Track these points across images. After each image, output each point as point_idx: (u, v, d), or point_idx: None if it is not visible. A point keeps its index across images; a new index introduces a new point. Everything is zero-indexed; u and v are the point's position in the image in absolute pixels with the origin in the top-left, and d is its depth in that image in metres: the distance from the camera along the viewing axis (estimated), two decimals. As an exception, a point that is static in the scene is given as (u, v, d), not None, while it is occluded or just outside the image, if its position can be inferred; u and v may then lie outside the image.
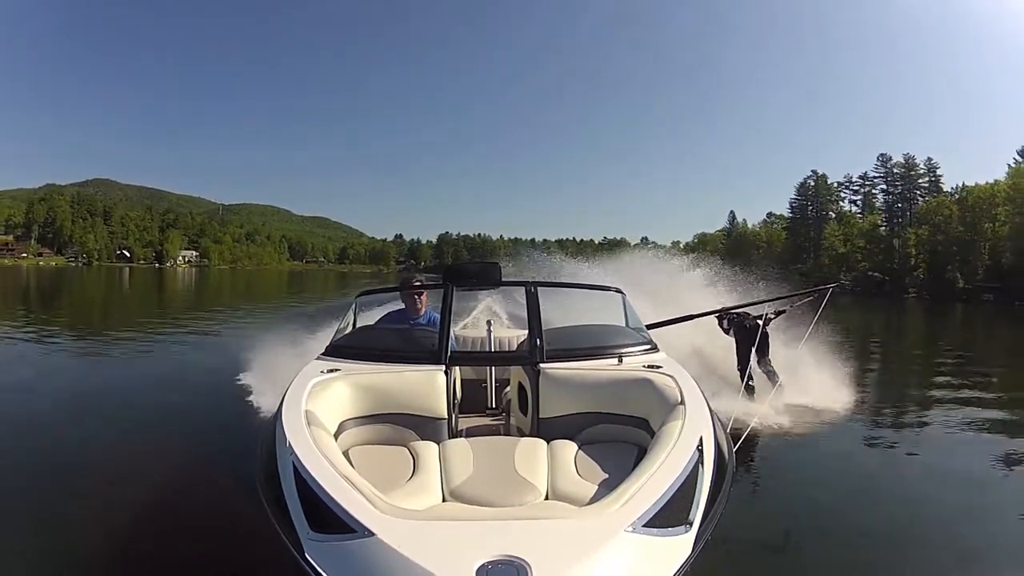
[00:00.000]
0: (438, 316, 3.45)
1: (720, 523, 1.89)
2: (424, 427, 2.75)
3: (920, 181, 74.25)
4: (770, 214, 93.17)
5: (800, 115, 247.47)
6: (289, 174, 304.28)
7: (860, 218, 77.03)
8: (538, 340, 3.01)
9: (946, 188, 70.70)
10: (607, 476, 2.29)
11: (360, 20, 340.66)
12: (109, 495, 3.50)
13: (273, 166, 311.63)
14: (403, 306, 4.04)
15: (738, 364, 6.09)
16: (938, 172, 73.88)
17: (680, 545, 1.64)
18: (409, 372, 2.89)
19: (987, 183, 60.54)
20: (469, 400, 3.56)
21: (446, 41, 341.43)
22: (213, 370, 7.41)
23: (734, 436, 3.23)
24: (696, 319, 6.29)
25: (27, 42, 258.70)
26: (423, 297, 4.01)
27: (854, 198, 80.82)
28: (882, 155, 78.34)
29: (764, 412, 4.98)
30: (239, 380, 6.27)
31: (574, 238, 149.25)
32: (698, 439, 2.12)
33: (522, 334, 4.07)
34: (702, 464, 2.00)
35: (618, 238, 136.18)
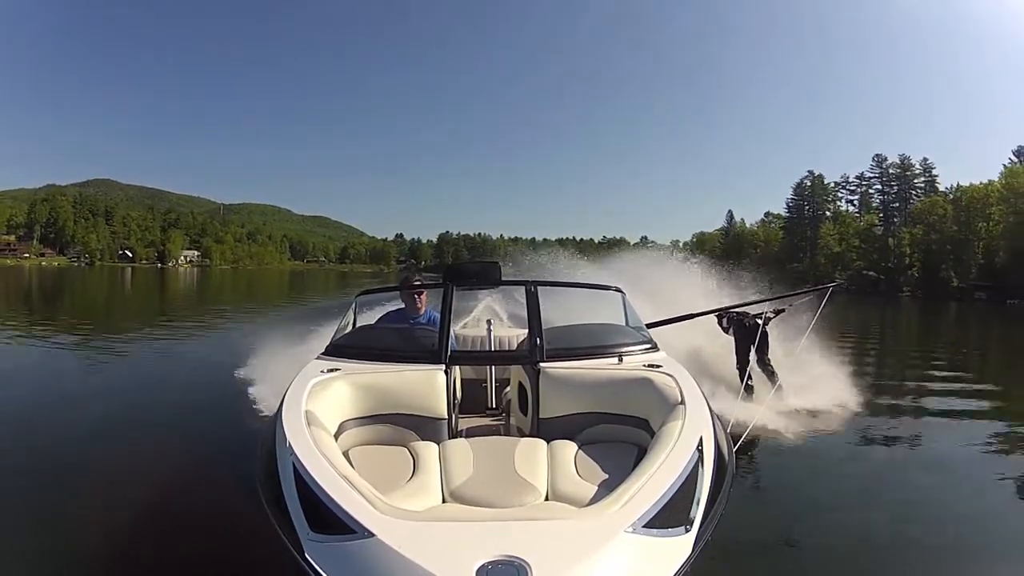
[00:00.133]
0: (438, 315, 3.45)
1: (720, 523, 1.89)
2: (424, 427, 2.75)
3: (916, 181, 74.41)
4: (768, 214, 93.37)
5: (800, 115, 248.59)
6: (289, 174, 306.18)
7: (857, 218, 77.07)
8: (538, 339, 3.01)
9: (942, 188, 70.90)
10: (607, 476, 2.28)
11: (360, 20, 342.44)
12: (109, 495, 3.49)
13: (273, 166, 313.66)
14: (403, 305, 4.04)
15: (737, 363, 6.08)
16: (934, 172, 74.13)
17: (680, 545, 1.64)
18: (409, 371, 2.89)
19: (981, 183, 60.67)
20: (469, 400, 3.55)
21: (446, 41, 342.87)
22: (213, 370, 7.39)
23: (734, 436, 3.22)
24: (696, 318, 6.29)
25: (27, 42, 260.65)
26: (423, 296, 4.01)
27: (851, 198, 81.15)
28: (877, 155, 78.86)
29: (764, 412, 4.97)
30: (239, 380, 6.27)
31: (574, 237, 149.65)
32: (698, 439, 2.12)
33: (522, 333, 4.06)
34: (702, 464, 1.99)
35: (618, 237, 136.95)
